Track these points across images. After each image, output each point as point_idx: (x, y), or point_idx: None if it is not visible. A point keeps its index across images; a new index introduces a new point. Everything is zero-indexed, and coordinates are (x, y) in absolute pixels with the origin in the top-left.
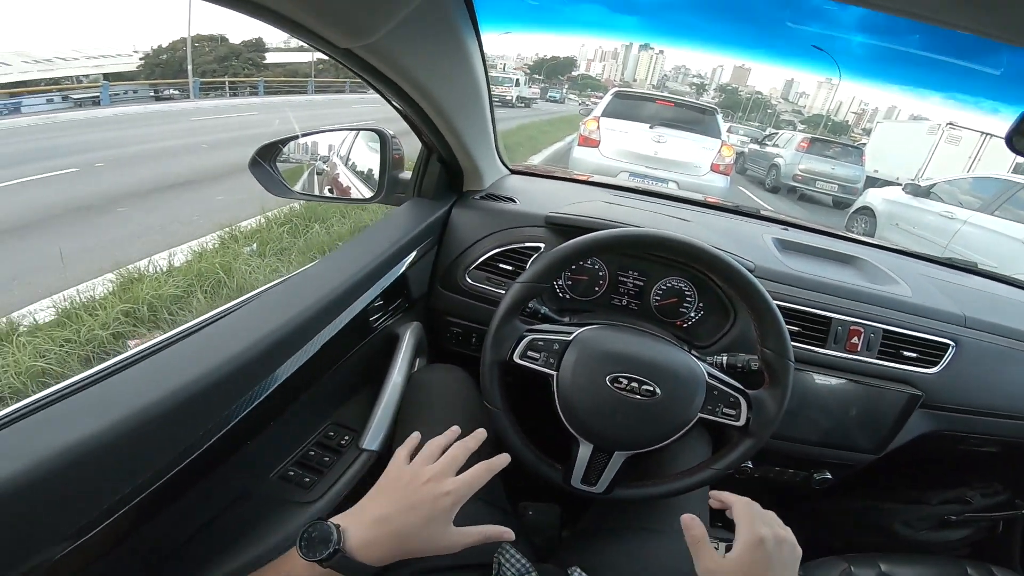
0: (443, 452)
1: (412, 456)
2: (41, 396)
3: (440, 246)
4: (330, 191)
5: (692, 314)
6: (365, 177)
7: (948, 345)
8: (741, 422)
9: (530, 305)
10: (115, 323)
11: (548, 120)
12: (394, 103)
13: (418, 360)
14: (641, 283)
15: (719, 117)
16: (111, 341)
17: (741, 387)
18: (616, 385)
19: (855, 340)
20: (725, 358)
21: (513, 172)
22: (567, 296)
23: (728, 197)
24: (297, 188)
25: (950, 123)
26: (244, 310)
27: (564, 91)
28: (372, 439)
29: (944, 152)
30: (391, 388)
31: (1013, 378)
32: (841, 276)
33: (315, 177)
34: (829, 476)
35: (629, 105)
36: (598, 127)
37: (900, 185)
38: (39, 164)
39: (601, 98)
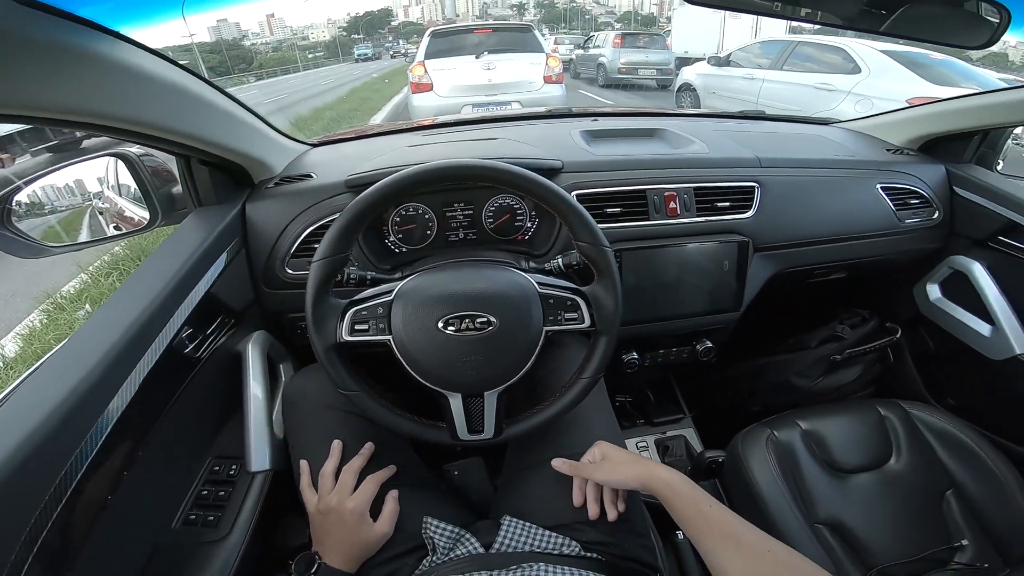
0: (335, 474)
1: (313, 479)
2: None
3: (248, 247)
4: (117, 228)
5: (528, 224)
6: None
7: (753, 187)
8: (587, 322)
9: (353, 275)
10: None
11: (381, 76)
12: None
13: (282, 367)
14: (470, 211)
15: (536, 32)
16: None
17: (574, 286)
18: (450, 329)
19: (673, 205)
20: (560, 259)
21: (316, 145)
22: (403, 250)
23: (569, 102)
24: (83, 235)
25: None
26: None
27: (394, 43)
28: (258, 460)
29: (732, 25)
30: (253, 404)
31: (815, 203)
32: (645, 149)
33: (98, 218)
34: (710, 344)
35: (449, 41)
36: (425, 71)
37: (705, 60)
38: None
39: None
